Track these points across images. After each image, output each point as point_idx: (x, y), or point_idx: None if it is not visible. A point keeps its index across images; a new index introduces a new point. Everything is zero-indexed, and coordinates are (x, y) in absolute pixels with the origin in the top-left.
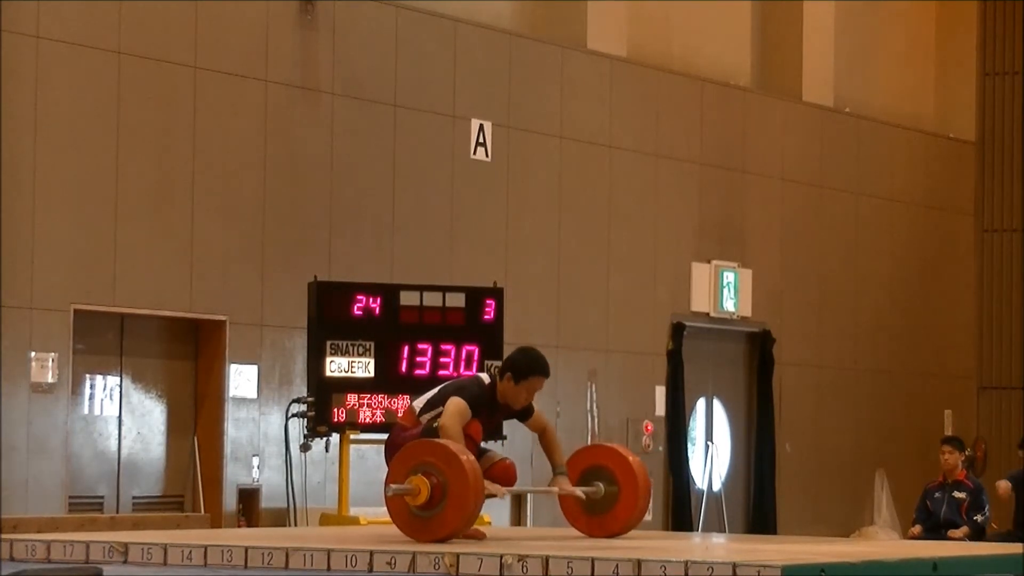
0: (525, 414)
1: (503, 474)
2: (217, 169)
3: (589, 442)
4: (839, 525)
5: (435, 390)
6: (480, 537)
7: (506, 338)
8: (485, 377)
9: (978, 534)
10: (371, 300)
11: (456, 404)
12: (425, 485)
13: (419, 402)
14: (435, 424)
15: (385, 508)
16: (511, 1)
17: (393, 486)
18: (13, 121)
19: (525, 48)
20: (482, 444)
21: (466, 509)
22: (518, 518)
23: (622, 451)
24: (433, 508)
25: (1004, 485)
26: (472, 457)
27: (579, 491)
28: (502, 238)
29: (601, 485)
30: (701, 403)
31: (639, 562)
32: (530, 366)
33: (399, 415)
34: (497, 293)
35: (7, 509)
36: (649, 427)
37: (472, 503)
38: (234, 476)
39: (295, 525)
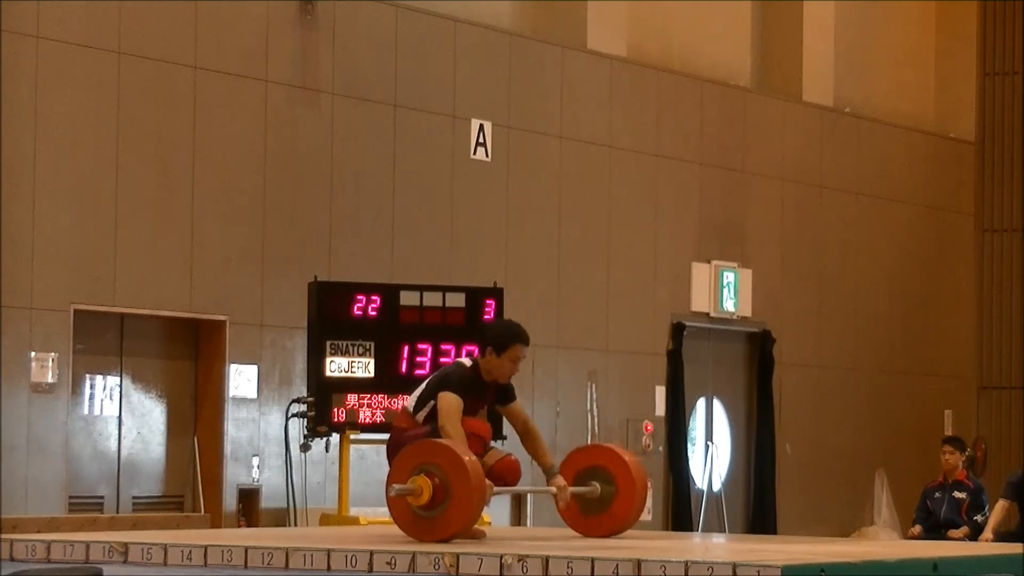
0: (506, 397)
1: (507, 470)
2: (217, 169)
3: (589, 442)
4: (839, 525)
5: (421, 386)
6: (480, 537)
7: None
8: (466, 361)
9: (978, 534)
10: (371, 300)
11: (447, 401)
12: (427, 485)
13: (410, 401)
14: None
15: (385, 508)
16: (511, 1)
17: (396, 486)
18: (13, 121)
19: (525, 48)
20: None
21: (469, 509)
22: (518, 518)
23: (619, 451)
24: (435, 508)
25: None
26: (474, 457)
27: (571, 490)
28: (502, 238)
29: (598, 485)
30: (701, 403)
31: (639, 562)
32: (509, 336)
33: (396, 418)
34: (497, 293)
35: (7, 509)
36: (649, 427)
37: (475, 503)
38: (234, 476)
39: (295, 525)
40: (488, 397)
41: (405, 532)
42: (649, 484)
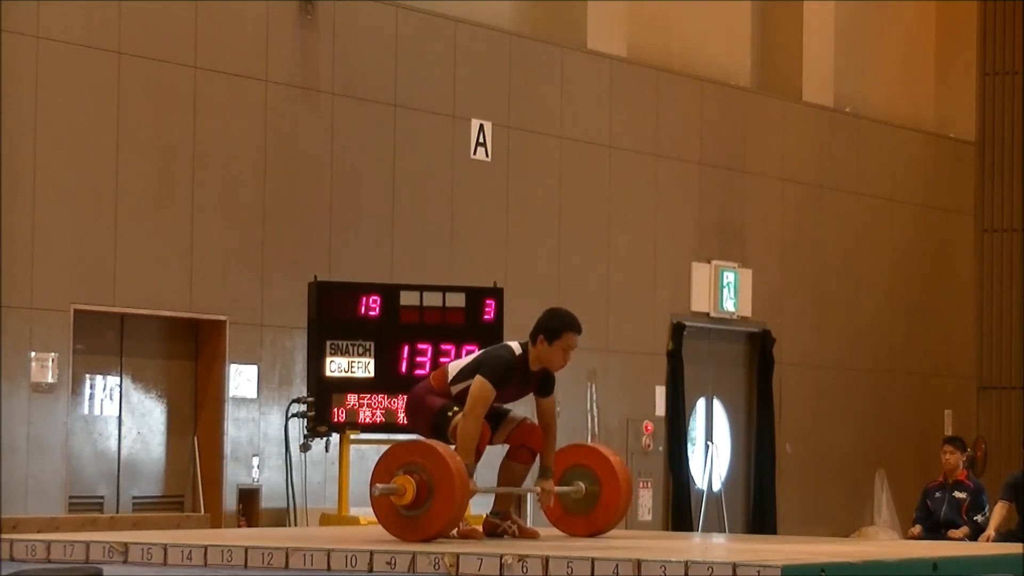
0: (546, 389)
1: (528, 434)
2: (217, 169)
3: (589, 442)
4: (839, 525)
5: (469, 359)
6: (478, 537)
7: (506, 338)
8: (516, 346)
9: (978, 534)
10: (371, 300)
11: (479, 389)
12: (411, 484)
13: (453, 367)
14: (450, 413)
15: None
16: (511, 1)
17: (379, 486)
18: (13, 121)
19: (525, 48)
20: (504, 406)
21: (452, 508)
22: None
23: (604, 451)
24: (419, 507)
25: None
26: (456, 454)
27: (556, 490)
28: (502, 238)
29: (583, 485)
30: (701, 403)
31: (639, 562)
32: (562, 324)
33: (433, 375)
34: (497, 293)
35: (7, 509)
36: (649, 427)
37: (458, 502)
38: (234, 476)
39: (295, 525)
40: (530, 387)
41: (388, 531)
42: (649, 484)
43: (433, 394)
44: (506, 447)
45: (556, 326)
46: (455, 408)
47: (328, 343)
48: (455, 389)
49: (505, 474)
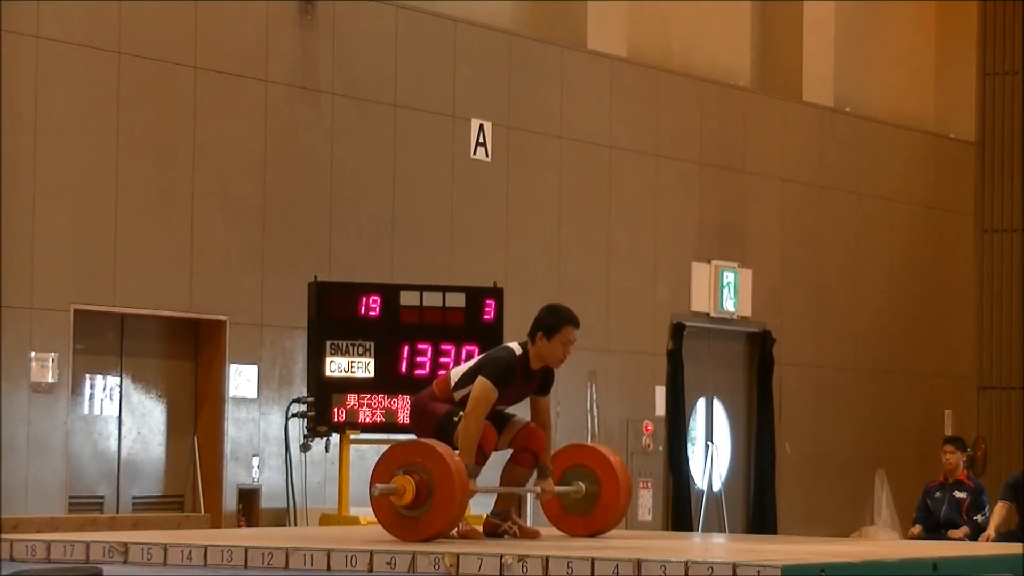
0: (544, 388)
1: (530, 437)
2: (217, 169)
3: (589, 442)
4: (839, 525)
5: (471, 363)
6: (477, 537)
7: (506, 338)
8: (516, 347)
9: (978, 534)
10: (371, 300)
11: (480, 390)
12: (410, 484)
13: (455, 373)
14: (456, 419)
15: None
16: (511, 1)
17: (379, 486)
18: (13, 121)
19: (525, 48)
20: (507, 410)
21: (452, 508)
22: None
23: (604, 451)
24: (419, 508)
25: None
26: (456, 455)
27: (557, 490)
28: (502, 238)
29: (583, 485)
30: (701, 403)
31: (639, 562)
32: (559, 319)
33: (435, 382)
34: (497, 293)
35: (7, 509)
36: (649, 427)
37: (458, 502)
38: (234, 476)
39: (295, 525)
40: (532, 387)
41: (388, 531)
42: (649, 484)
43: (437, 400)
44: (509, 451)
45: (554, 321)
46: (461, 413)
47: (328, 343)
48: (458, 395)
49: (508, 477)
